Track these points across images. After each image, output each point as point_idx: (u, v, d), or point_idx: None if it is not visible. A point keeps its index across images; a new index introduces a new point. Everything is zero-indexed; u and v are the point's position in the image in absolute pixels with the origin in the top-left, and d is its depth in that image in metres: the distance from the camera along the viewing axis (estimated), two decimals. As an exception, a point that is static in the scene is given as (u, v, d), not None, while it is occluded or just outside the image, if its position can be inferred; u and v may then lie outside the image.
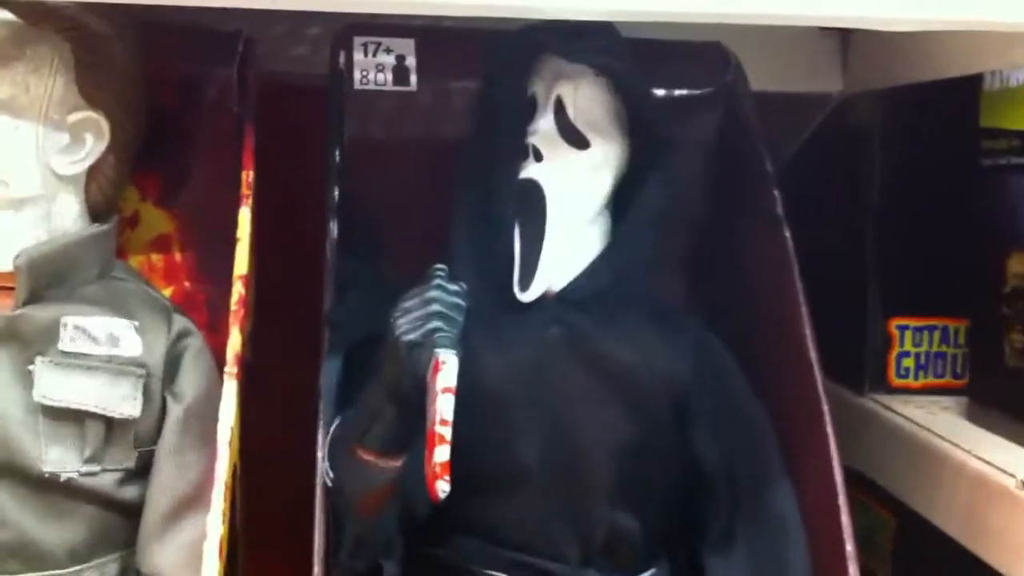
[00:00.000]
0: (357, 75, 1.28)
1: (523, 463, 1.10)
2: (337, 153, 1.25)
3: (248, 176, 1.19)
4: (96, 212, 1.14)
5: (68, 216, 1.11)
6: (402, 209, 1.27)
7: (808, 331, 1.19)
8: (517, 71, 1.18)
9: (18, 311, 1.07)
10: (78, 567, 1.09)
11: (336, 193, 1.23)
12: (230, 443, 1.05)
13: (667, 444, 1.15)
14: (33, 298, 1.08)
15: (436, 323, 1.02)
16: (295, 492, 1.11)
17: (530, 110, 1.18)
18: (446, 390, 0.98)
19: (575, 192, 1.15)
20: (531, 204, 1.14)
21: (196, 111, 1.25)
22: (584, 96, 1.17)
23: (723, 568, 1.15)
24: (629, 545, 1.15)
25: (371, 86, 1.29)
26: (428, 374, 0.99)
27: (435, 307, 1.03)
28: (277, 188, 1.24)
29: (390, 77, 1.29)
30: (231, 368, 1.08)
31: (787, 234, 1.24)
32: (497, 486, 1.10)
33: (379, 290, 1.16)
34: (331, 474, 1.09)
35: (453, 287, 1.05)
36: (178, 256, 1.27)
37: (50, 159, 1.09)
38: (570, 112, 1.16)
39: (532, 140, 1.16)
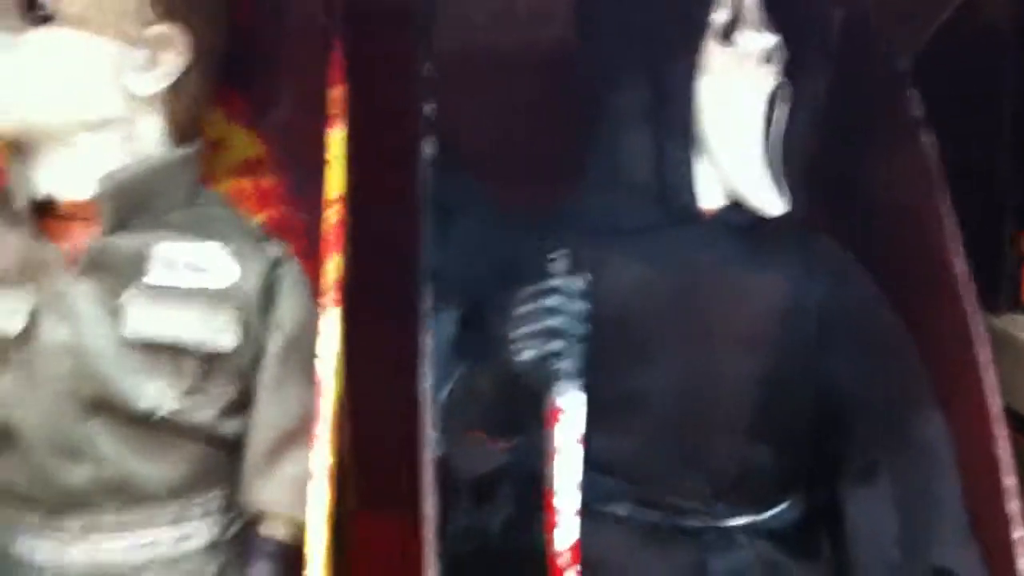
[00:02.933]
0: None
1: (654, 390, 1.03)
2: (428, 66, 1.16)
3: (337, 93, 1.11)
4: (180, 134, 1.06)
5: (150, 139, 1.04)
6: (499, 126, 1.18)
7: (955, 246, 1.09)
8: None
9: (104, 240, 1.01)
10: (179, 502, 1.04)
11: (428, 109, 1.14)
12: (334, 375, 0.99)
13: (805, 374, 1.07)
14: (118, 226, 1.01)
15: (557, 343, 0.92)
16: (401, 429, 1.05)
17: None
18: (570, 442, 0.87)
19: (751, 95, 1.06)
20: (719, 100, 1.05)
21: (282, 28, 1.18)
22: None
23: (865, 502, 1.07)
24: (761, 479, 1.07)
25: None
26: (546, 407, 0.90)
27: (555, 321, 0.93)
28: (370, 108, 1.17)
29: None
30: (332, 295, 1.02)
31: (928, 139, 1.14)
32: (623, 414, 1.02)
33: (482, 218, 1.09)
34: (441, 444, 1.02)
35: (575, 286, 0.94)
36: (270, 180, 1.21)
37: (127, 78, 1.02)
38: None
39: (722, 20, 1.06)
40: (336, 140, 1.08)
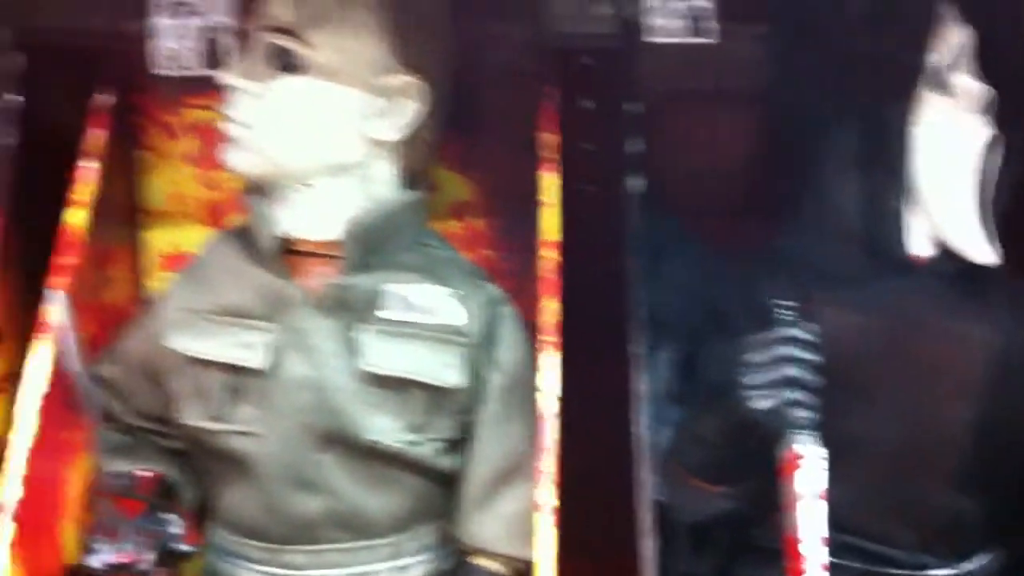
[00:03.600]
0: (651, 25, 1.22)
1: (869, 439, 1.03)
2: (635, 105, 1.19)
3: (550, 139, 1.14)
4: (411, 179, 1.11)
5: (384, 183, 1.09)
6: (706, 165, 1.20)
7: None
8: None
9: (346, 279, 1.06)
10: (398, 536, 1.08)
11: (636, 148, 1.17)
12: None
13: (1016, 424, 1.06)
14: (359, 266, 1.06)
15: (795, 393, 0.93)
16: (611, 473, 1.07)
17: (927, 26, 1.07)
18: (812, 493, 0.88)
19: (966, 144, 1.07)
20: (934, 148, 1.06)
21: (492, 73, 1.22)
22: None
23: None
24: (967, 530, 1.07)
25: (666, 37, 1.23)
26: (782, 455, 0.91)
27: (793, 371, 0.94)
28: (575, 150, 1.20)
29: (686, 26, 1.23)
30: (550, 338, 1.04)
31: None
32: (837, 462, 1.00)
33: (691, 257, 1.11)
34: (662, 489, 1.04)
35: (809, 336, 0.95)
36: (477, 223, 1.25)
37: (368, 125, 1.06)
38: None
39: (938, 67, 1.06)
40: (550, 184, 1.12)
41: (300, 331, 1.05)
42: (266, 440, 1.05)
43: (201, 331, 1.06)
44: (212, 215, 1.27)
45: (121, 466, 1.11)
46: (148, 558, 1.03)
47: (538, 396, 1.02)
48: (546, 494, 0.98)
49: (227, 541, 1.10)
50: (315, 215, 1.07)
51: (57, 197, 1.14)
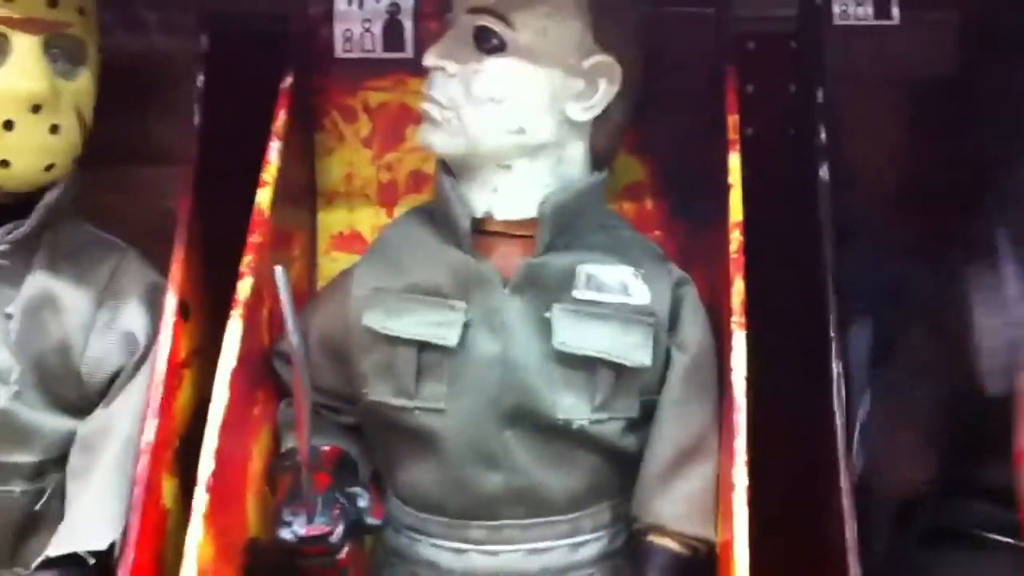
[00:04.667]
0: (836, 9, 1.22)
1: None
2: (820, 92, 1.18)
3: (734, 120, 1.14)
4: (597, 160, 1.12)
5: (576, 164, 1.10)
6: (889, 153, 1.20)
7: None
8: None
9: (539, 258, 1.07)
10: (575, 514, 1.09)
11: (823, 134, 1.16)
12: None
13: None
14: (551, 246, 1.07)
15: None
16: (803, 453, 1.07)
17: None
18: None
19: None
20: None
21: (673, 54, 1.21)
22: None
23: None
24: None
25: (851, 20, 1.22)
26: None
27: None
28: (756, 133, 1.20)
29: (870, 11, 1.22)
30: (739, 318, 1.04)
31: None
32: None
33: (882, 241, 1.10)
34: (861, 461, 1.03)
35: None
36: (649, 204, 1.26)
37: (565, 105, 1.07)
38: None
39: None
40: (735, 165, 1.11)
41: (492, 310, 1.06)
42: (453, 416, 1.07)
43: (393, 309, 1.08)
44: (386, 197, 1.28)
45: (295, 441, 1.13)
46: (339, 530, 1.04)
47: (729, 376, 1.02)
48: (740, 474, 0.98)
49: (405, 515, 1.11)
50: (509, 195, 1.08)
51: (239, 177, 1.17)
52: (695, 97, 1.21)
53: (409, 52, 1.26)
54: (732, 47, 1.20)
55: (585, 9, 1.07)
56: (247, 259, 1.10)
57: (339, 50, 1.26)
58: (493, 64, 1.06)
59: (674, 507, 1.06)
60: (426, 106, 1.08)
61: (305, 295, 1.23)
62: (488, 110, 1.06)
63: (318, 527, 1.03)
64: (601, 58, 1.07)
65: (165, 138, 1.23)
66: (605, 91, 1.08)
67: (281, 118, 1.17)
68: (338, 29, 1.25)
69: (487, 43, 1.06)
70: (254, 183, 1.14)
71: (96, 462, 1.08)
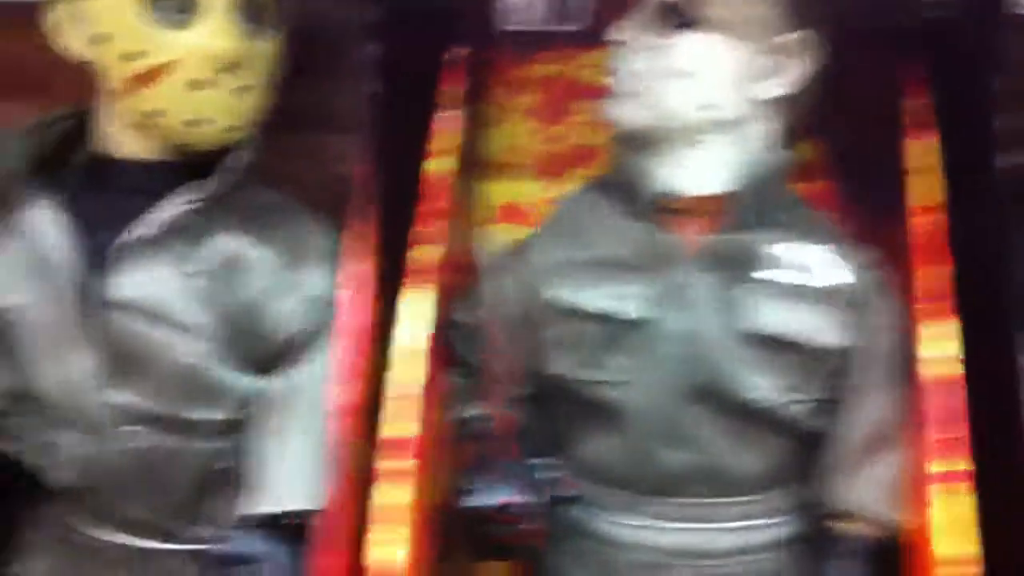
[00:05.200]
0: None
1: None
2: (996, 81, 1.15)
3: (917, 104, 1.12)
4: (783, 139, 1.09)
5: (759, 141, 1.08)
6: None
7: None
8: None
9: (728, 235, 1.06)
10: (757, 496, 1.08)
11: (996, 124, 1.13)
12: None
13: None
14: (740, 223, 1.06)
15: None
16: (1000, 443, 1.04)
17: None
18: None
19: None
20: None
21: (853, 36, 1.16)
22: None
23: None
24: None
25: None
26: None
27: None
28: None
29: None
30: (935, 305, 1.02)
31: None
32: None
33: None
34: None
35: None
36: (822, 185, 1.23)
37: (755, 83, 1.06)
38: None
39: None
40: (923, 150, 1.09)
41: (679, 285, 1.05)
42: (637, 391, 1.06)
43: (579, 282, 1.07)
44: (550, 170, 1.27)
45: (475, 410, 1.13)
46: (528, 499, 1.04)
47: (931, 363, 1.00)
48: (960, 461, 0.97)
49: (585, 489, 1.10)
50: (696, 171, 1.07)
51: (409, 146, 1.15)
52: (870, 81, 1.18)
53: (579, 25, 1.25)
54: (908, 31, 1.17)
55: None
56: (420, 228, 1.10)
57: (507, 22, 1.24)
58: (684, 40, 1.05)
59: (868, 492, 1.05)
60: (615, 79, 1.07)
61: (467, 267, 1.21)
62: (679, 84, 1.05)
63: (506, 495, 1.03)
64: (792, 37, 1.06)
65: (338, 105, 1.20)
66: (795, 70, 1.07)
67: (452, 88, 1.16)
68: (507, 2, 1.24)
69: (679, 18, 1.05)
70: (421, 153, 1.13)
71: (290, 422, 1.07)
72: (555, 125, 1.26)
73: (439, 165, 1.12)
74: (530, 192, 1.27)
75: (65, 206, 1.08)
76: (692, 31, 1.04)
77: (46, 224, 1.07)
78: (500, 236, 1.25)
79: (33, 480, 1.09)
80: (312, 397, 1.08)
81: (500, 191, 1.28)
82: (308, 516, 1.03)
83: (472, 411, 1.13)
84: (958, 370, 1.00)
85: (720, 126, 1.06)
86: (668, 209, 1.07)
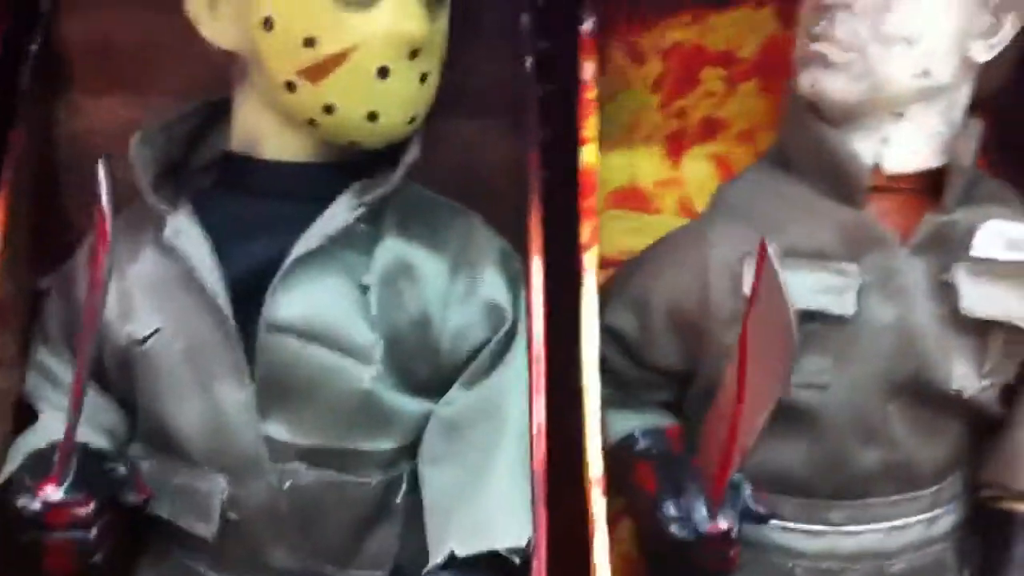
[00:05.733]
0: None
1: None
2: None
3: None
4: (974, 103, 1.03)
5: (962, 108, 1.01)
6: None
7: None
8: None
9: (949, 216, 0.98)
10: (937, 486, 1.03)
11: None
12: None
13: None
14: (948, 201, 0.98)
15: None
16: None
17: None
18: None
19: None
20: None
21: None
22: None
23: None
24: None
25: None
26: None
27: None
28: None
29: None
30: None
31: None
32: None
33: None
34: None
35: None
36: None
37: (971, 44, 0.98)
38: None
39: None
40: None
41: (889, 273, 0.97)
42: (836, 391, 0.98)
43: None
44: (672, 147, 1.17)
45: (632, 422, 1.04)
46: (736, 524, 0.94)
47: None
48: None
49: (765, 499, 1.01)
50: (901, 145, 0.99)
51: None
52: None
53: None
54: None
55: None
56: (587, 226, 0.99)
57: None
58: (906, 1, 0.96)
59: None
60: (821, 47, 0.97)
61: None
62: (898, 51, 0.96)
63: (731, 521, 0.93)
64: None
65: (490, 88, 1.07)
66: (1011, 27, 0.99)
67: (589, 68, 1.03)
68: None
69: None
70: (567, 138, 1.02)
71: (487, 449, 0.95)
72: (680, 98, 1.15)
73: (588, 155, 1.01)
74: (650, 173, 1.17)
75: (206, 215, 0.94)
76: None
77: (187, 237, 0.93)
78: (619, 223, 1.16)
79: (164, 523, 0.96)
80: (509, 418, 0.96)
81: (617, 173, 1.17)
82: (527, 552, 0.91)
83: (635, 426, 1.04)
84: None
85: (930, 94, 0.98)
86: (872, 189, 0.98)
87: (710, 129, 1.16)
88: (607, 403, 1.03)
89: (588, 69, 1.04)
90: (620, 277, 1.08)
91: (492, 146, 1.08)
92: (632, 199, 1.17)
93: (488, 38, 1.04)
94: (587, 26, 1.05)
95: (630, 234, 1.15)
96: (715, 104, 1.15)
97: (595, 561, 0.89)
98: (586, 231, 0.99)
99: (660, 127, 1.16)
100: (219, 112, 1.00)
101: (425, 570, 0.92)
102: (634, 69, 1.14)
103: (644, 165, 1.17)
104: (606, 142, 1.14)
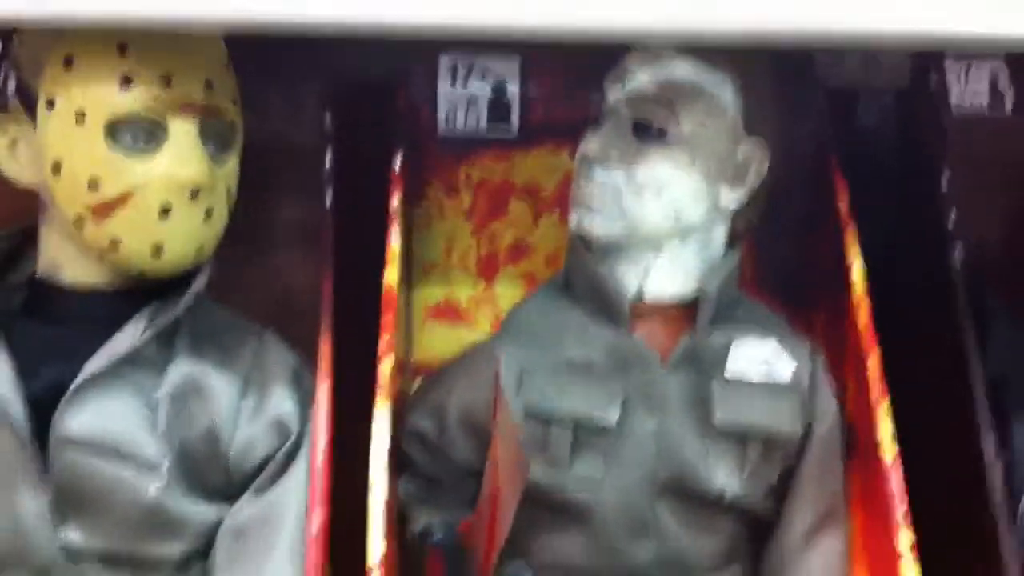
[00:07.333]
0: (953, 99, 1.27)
1: None
2: (944, 178, 1.22)
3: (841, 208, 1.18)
4: (732, 240, 1.16)
5: (717, 246, 1.14)
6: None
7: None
8: None
9: (696, 338, 1.11)
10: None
11: (952, 218, 1.20)
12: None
13: None
14: (703, 325, 1.11)
15: None
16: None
17: None
18: None
19: None
20: None
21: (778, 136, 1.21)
22: None
23: None
24: None
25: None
26: None
27: None
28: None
29: (985, 101, 1.27)
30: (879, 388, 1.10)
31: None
32: None
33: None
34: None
35: None
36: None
37: (719, 191, 1.11)
38: None
39: None
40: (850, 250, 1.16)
41: (650, 387, 1.10)
42: (607, 490, 1.09)
43: (547, 387, 1.10)
44: (485, 268, 1.31)
45: (429, 516, 1.15)
46: None
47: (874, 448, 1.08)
48: (904, 538, 1.04)
49: None
50: (659, 276, 1.12)
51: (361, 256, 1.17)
52: (798, 180, 1.25)
53: (514, 131, 1.29)
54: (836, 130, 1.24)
55: (739, 94, 1.12)
56: (385, 338, 1.10)
57: (442, 128, 1.28)
58: (655, 155, 1.09)
59: (818, 565, 1.11)
60: (583, 193, 1.11)
61: (402, 367, 1.23)
62: (648, 198, 1.10)
63: None
64: (752, 143, 1.12)
65: (291, 219, 1.23)
66: (755, 175, 1.13)
67: (396, 199, 1.17)
68: (441, 109, 1.27)
69: (649, 133, 1.10)
70: (366, 256, 1.14)
71: (262, 554, 1.05)
72: (490, 224, 1.29)
73: (395, 275, 1.13)
74: (465, 291, 1.30)
75: (10, 337, 1.04)
76: (662, 146, 1.09)
77: None
78: (435, 335, 1.28)
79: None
80: (285, 525, 1.06)
81: (434, 291, 1.30)
82: None
83: (434, 519, 1.14)
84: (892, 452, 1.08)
85: (683, 233, 1.12)
86: (636, 313, 1.12)
87: (519, 253, 1.31)
88: (413, 499, 1.16)
89: (395, 200, 1.17)
90: (423, 387, 1.21)
91: (301, 271, 1.21)
92: (448, 314, 1.30)
93: (290, 175, 1.20)
94: (395, 163, 1.19)
95: (448, 344, 1.28)
96: (523, 231, 1.30)
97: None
98: (382, 342, 1.10)
99: (472, 251, 1.30)
100: (23, 245, 1.11)
101: None
102: (448, 200, 1.29)
103: (459, 284, 1.30)
104: (424, 264, 1.30)
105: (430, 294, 1.30)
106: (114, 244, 1.04)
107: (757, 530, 1.15)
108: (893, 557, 1.05)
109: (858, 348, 1.13)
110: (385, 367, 1.09)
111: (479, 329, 1.30)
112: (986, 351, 1.14)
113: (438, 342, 1.29)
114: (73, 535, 1.03)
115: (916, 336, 1.19)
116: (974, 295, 1.16)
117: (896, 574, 1.04)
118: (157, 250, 1.04)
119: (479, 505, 1.06)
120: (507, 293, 1.31)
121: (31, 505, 1.02)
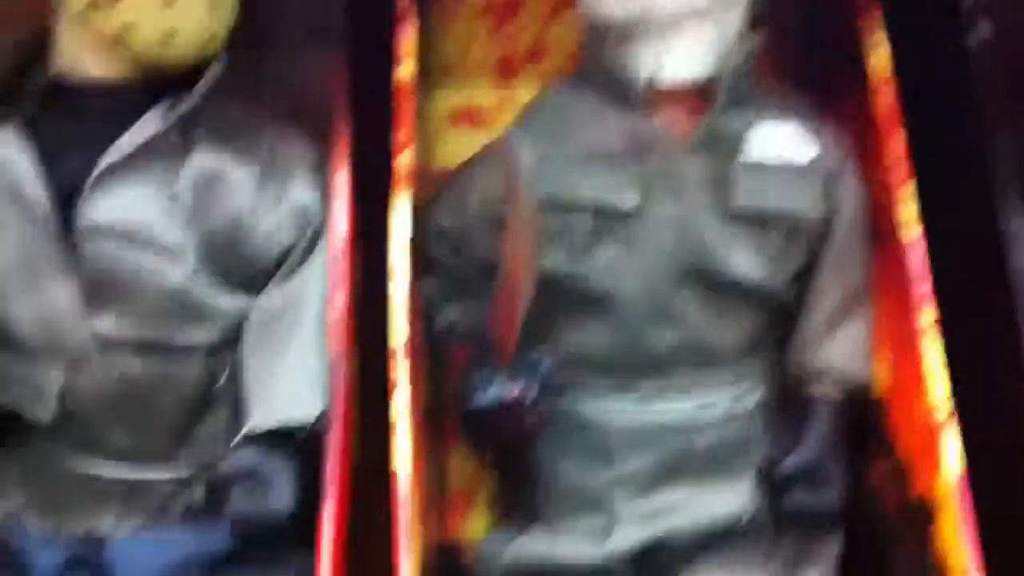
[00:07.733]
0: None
1: None
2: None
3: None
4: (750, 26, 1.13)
5: (734, 29, 1.11)
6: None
7: None
8: None
9: (719, 118, 1.09)
10: (737, 366, 1.12)
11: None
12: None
13: None
14: (722, 107, 1.09)
15: None
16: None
17: None
18: None
19: None
20: None
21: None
22: None
23: None
24: None
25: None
26: None
27: None
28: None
29: None
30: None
31: None
32: None
33: None
34: None
35: None
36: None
37: None
38: None
39: None
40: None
41: (669, 171, 1.09)
42: (627, 279, 1.09)
43: (565, 175, 1.09)
44: (504, 70, 1.29)
45: (460, 312, 1.15)
46: (534, 393, 1.07)
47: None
48: (927, 314, 1.04)
49: (569, 377, 1.12)
50: (679, 58, 1.10)
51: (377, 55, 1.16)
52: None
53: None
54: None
55: None
56: (402, 131, 1.10)
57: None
58: None
59: (845, 347, 1.11)
60: None
61: (423, 172, 1.21)
62: None
63: (511, 390, 1.05)
64: None
65: (307, 19, 1.20)
66: None
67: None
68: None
69: None
70: (386, 62, 1.13)
71: (287, 336, 1.07)
72: (507, 24, 1.27)
73: (404, 71, 1.12)
74: (486, 95, 1.28)
75: (29, 133, 1.05)
76: None
77: (11, 153, 1.04)
78: (458, 141, 1.26)
79: (11, 415, 1.07)
80: (309, 309, 1.08)
81: (456, 96, 1.29)
82: (312, 428, 1.04)
83: (457, 314, 1.15)
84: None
85: (699, 14, 1.09)
86: (653, 98, 1.10)
87: (537, 52, 1.28)
88: (440, 296, 1.17)
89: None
90: (444, 184, 1.20)
91: (319, 70, 1.18)
92: (472, 119, 1.29)
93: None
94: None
95: (472, 150, 1.23)
96: (540, 29, 1.27)
97: (393, 420, 1.01)
98: (399, 134, 1.10)
99: (490, 53, 1.28)
100: (44, 46, 1.10)
101: (231, 444, 1.05)
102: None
103: (479, 87, 1.29)
104: (440, 69, 1.28)
105: (449, 99, 1.29)
106: (124, 30, 1.04)
107: (780, 319, 1.14)
108: (915, 334, 1.05)
109: (881, 131, 1.11)
110: (403, 159, 1.09)
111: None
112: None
113: (462, 148, 1.25)
114: (104, 323, 1.05)
115: (937, 122, 1.16)
116: (995, 76, 1.13)
117: (919, 351, 1.05)
118: (168, 36, 1.04)
119: (496, 295, 1.07)
120: (531, 95, 1.25)
121: (62, 295, 1.04)
